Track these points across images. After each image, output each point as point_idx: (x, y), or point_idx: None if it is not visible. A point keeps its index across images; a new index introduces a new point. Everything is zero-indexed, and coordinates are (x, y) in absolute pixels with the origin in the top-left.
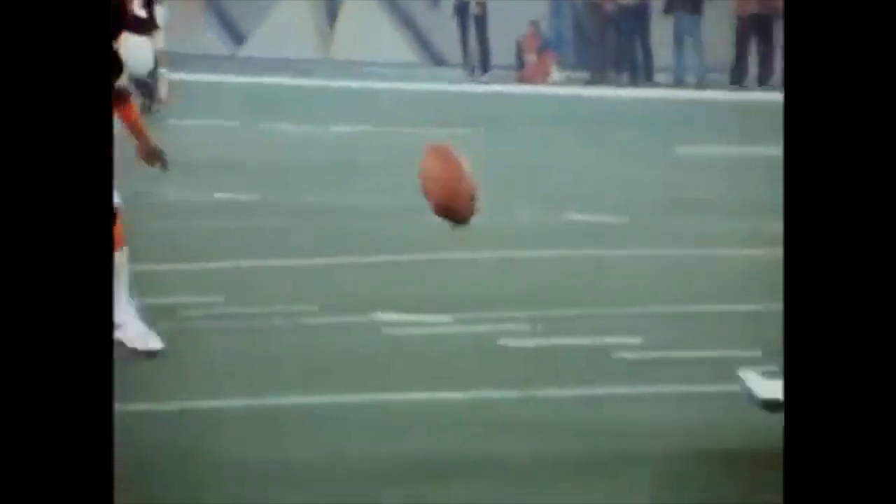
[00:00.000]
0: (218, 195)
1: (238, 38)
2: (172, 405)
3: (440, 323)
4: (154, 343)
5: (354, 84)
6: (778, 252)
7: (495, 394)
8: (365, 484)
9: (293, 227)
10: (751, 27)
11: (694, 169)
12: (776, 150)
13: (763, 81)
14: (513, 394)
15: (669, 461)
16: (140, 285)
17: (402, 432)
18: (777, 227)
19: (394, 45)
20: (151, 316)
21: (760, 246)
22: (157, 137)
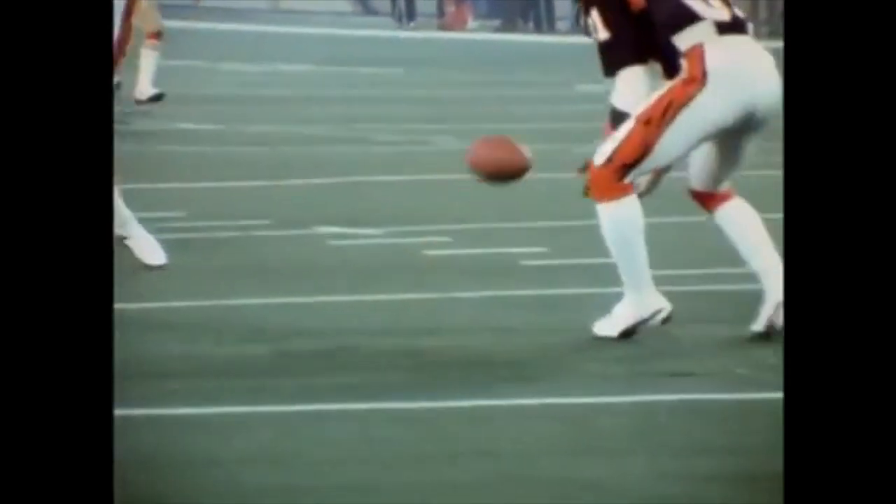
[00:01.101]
0: (182, 125)
1: None
2: (136, 306)
3: (374, 235)
4: (160, 258)
5: (299, 30)
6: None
7: (420, 296)
8: (305, 376)
9: (247, 153)
10: None
11: (591, 103)
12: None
13: None
14: (435, 296)
15: (569, 352)
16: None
17: (343, 330)
18: None
19: None
20: None
21: None
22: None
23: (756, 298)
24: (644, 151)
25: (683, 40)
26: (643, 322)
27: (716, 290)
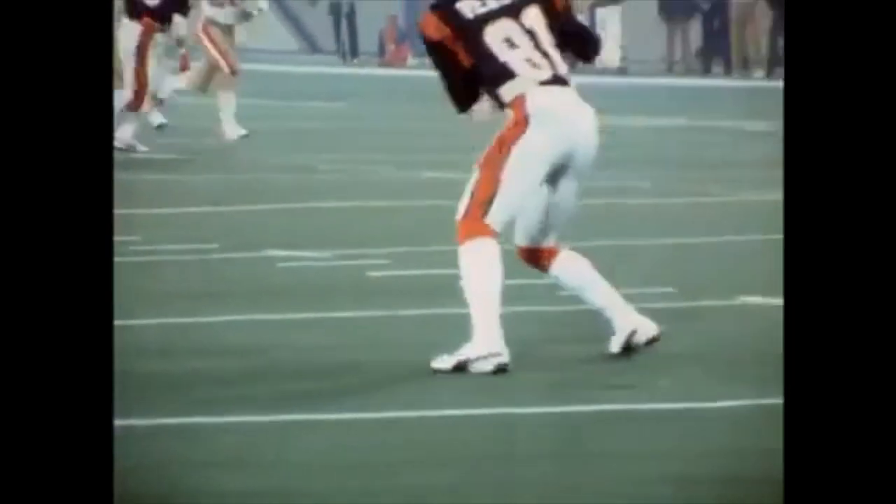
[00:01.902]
0: (138, 155)
1: None
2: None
3: (321, 258)
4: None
5: (250, 66)
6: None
7: (365, 314)
8: (265, 383)
9: (202, 180)
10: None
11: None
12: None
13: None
14: (379, 313)
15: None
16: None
17: (294, 346)
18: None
19: (280, 36)
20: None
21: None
22: None
23: (670, 315)
24: (494, 187)
25: (507, 93)
26: (477, 360)
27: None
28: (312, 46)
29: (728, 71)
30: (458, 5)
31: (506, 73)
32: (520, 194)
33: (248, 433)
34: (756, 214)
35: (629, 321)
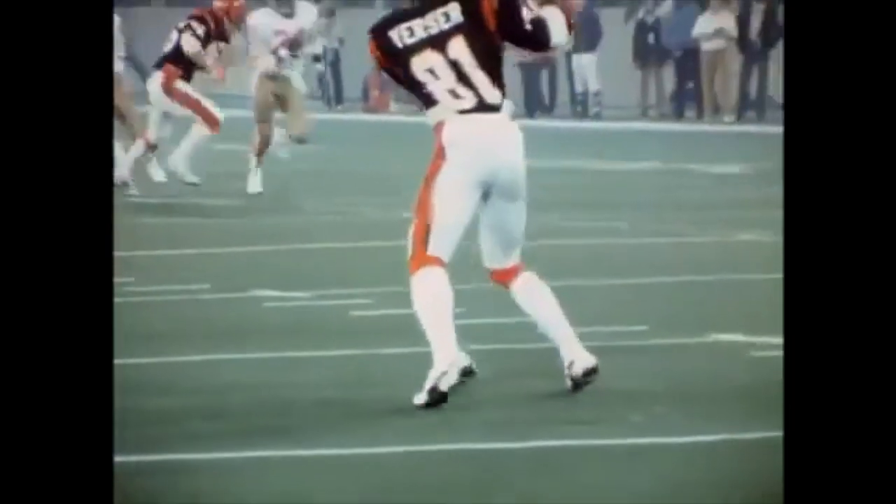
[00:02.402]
0: (131, 199)
1: (144, 74)
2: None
3: (305, 298)
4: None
5: (236, 112)
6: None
7: (349, 352)
8: (245, 419)
9: (191, 224)
10: (529, 72)
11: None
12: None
13: (549, 111)
14: (362, 352)
15: (493, 400)
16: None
17: (279, 383)
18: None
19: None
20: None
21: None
22: None
23: (642, 352)
24: (428, 222)
25: (431, 118)
26: (442, 377)
27: (608, 346)
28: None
29: (700, 115)
30: (391, 33)
31: (430, 101)
32: (453, 223)
33: (235, 469)
34: (729, 254)
35: (569, 352)
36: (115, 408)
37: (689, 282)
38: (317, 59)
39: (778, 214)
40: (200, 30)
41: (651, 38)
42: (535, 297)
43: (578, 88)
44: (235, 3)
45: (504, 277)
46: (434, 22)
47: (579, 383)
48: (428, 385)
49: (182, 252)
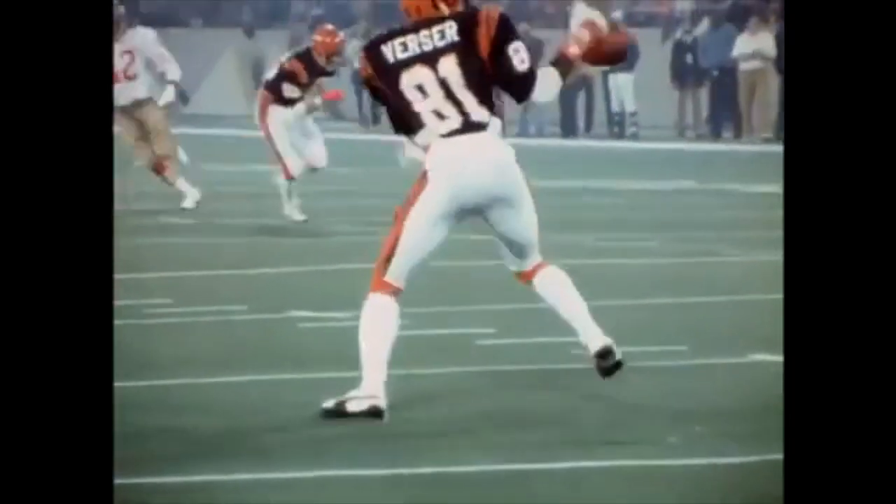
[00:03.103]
0: (168, 220)
1: (184, 98)
2: (134, 383)
3: (341, 318)
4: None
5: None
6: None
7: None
8: (282, 445)
9: (226, 243)
10: (565, 94)
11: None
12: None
13: (585, 129)
14: (400, 371)
15: (505, 425)
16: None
17: (316, 405)
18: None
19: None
20: (122, 314)
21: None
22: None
23: (681, 373)
24: (393, 245)
25: (419, 140)
26: (354, 399)
27: (640, 366)
28: (335, 113)
29: (737, 135)
30: (384, 48)
31: (417, 124)
32: (417, 251)
33: (262, 490)
34: (765, 273)
35: (585, 336)
36: (153, 428)
37: (728, 301)
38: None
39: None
40: (301, 70)
41: (689, 58)
42: (553, 286)
43: (615, 108)
44: (336, 39)
45: (527, 277)
46: (428, 39)
47: (601, 368)
48: (341, 398)
49: (217, 272)
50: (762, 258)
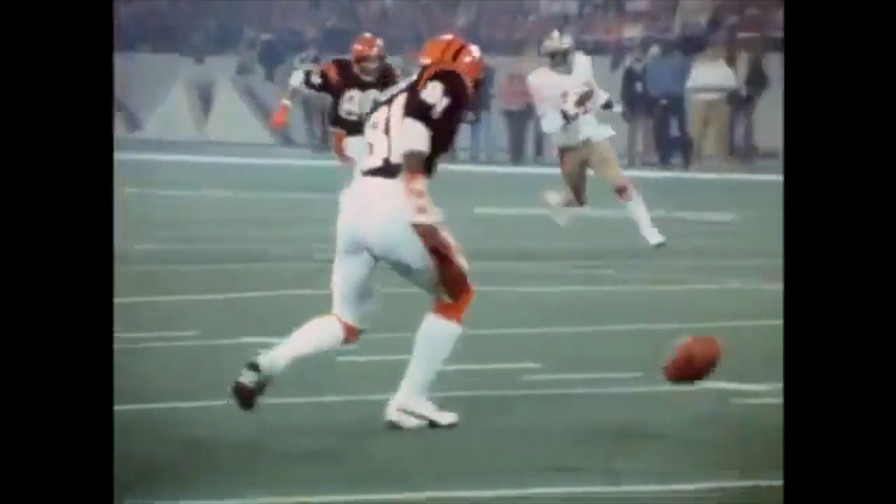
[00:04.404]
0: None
1: (136, 124)
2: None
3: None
4: None
5: (225, 160)
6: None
7: (342, 398)
8: (232, 471)
9: (180, 270)
10: (516, 121)
11: (487, 223)
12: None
13: (536, 158)
14: (354, 398)
15: (476, 448)
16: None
17: (274, 429)
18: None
19: (253, 127)
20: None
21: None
22: None
23: (638, 399)
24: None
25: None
26: (250, 368)
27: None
28: (284, 139)
29: (687, 164)
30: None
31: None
32: (340, 284)
33: None
34: (718, 301)
35: (399, 395)
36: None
37: (679, 329)
38: (607, 105)
39: (766, 262)
40: (344, 86)
41: (639, 86)
42: (420, 335)
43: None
44: (373, 52)
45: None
46: (398, 85)
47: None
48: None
49: (172, 298)
50: (717, 286)
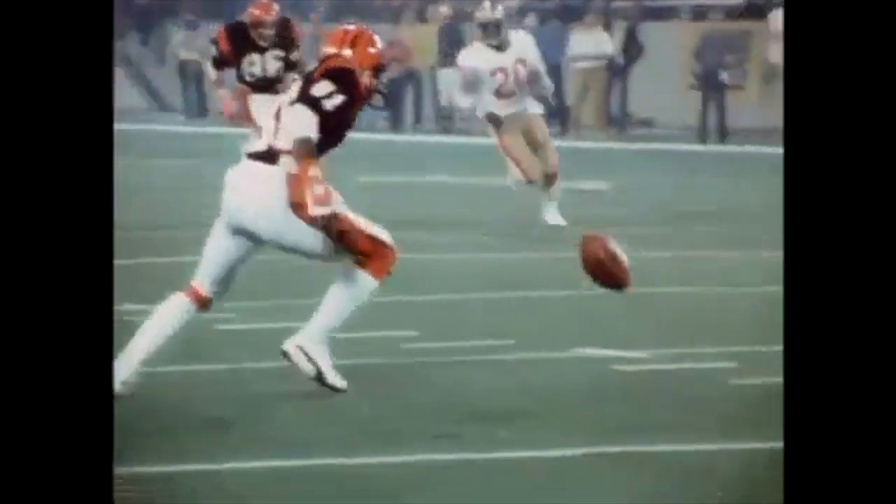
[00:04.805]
0: None
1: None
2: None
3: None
4: None
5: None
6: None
7: (215, 367)
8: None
9: None
10: (395, 88)
11: (371, 192)
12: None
13: (414, 126)
14: (228, 366)
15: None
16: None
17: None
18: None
19: (130, 95)
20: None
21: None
22: None
23: (509, 367)
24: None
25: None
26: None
27: (469, 360)
28: (161, 104)
29: (564, 132)
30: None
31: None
32: (211, 257)
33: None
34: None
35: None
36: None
37: (553, 297)
38: (542, 98)
39: (643, 230)
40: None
41: None
42: (334, 285)
43: (444, 104)
44: (269, 17)
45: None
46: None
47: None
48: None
49: None
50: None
